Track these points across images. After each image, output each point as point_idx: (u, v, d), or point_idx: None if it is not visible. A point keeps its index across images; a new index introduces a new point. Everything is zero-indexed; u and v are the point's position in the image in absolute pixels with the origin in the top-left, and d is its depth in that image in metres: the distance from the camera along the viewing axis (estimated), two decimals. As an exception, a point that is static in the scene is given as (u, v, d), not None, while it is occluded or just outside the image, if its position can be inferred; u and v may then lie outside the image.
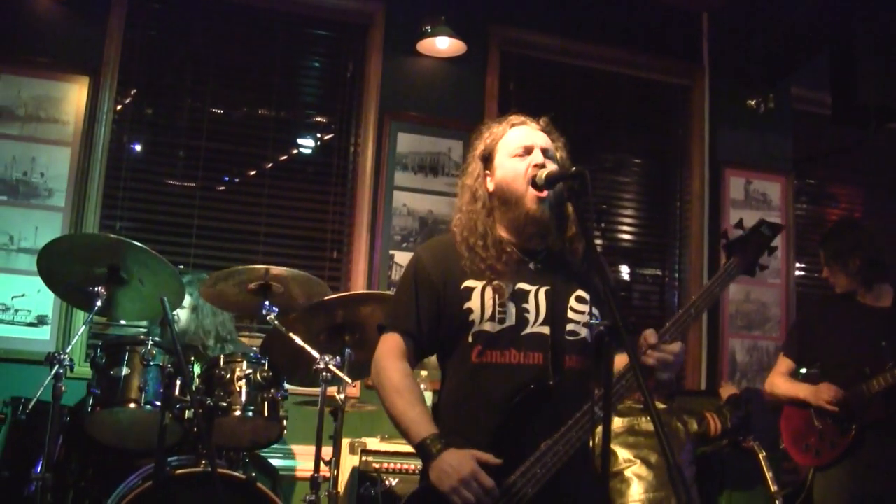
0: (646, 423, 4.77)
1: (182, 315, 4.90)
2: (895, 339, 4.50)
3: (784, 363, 4.96)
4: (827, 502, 4.63)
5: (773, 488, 4.91)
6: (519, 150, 2.86)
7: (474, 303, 2.76)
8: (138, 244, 4.01)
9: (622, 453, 4.77)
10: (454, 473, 2.50)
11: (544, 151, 2.86)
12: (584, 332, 2.80)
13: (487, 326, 2.74)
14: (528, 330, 2.75)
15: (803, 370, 5.03)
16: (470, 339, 2.75)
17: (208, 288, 4.31)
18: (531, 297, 2.78)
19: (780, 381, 4.90)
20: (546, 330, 2.76)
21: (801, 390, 4.75)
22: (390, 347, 2.83)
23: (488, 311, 2.74)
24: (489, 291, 2.76)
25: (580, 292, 2.83)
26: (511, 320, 2.74)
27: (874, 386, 4.46)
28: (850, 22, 6.00)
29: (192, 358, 4.66)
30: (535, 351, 2.73)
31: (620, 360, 2.62)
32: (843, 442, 4.53)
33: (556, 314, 2.78)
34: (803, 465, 4.84)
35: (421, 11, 6.15)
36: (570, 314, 2.80)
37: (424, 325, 2.82)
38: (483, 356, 2.74)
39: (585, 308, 2.81)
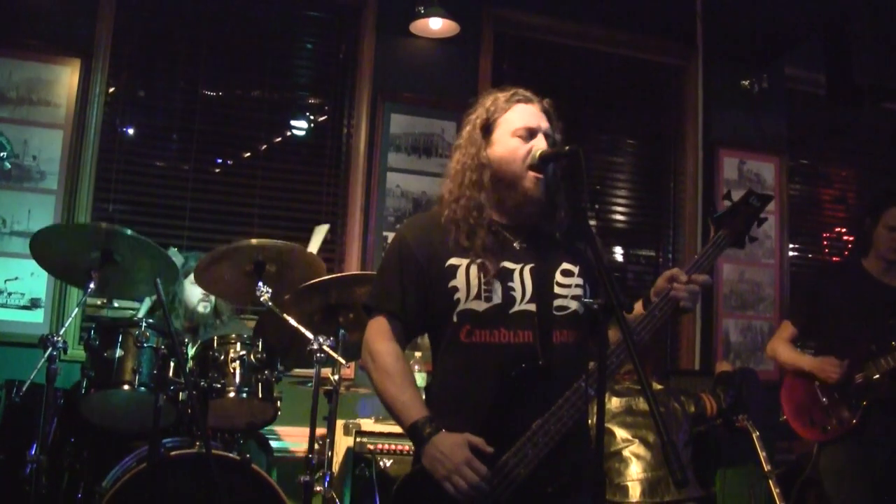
0: (643, 403, 4.77)
1: (212, 298, 4.92)
2: None
3: (787, 329, 4.94)
4: (833, 477, 4.64)
5: (767, 467, 4.91)
6: (522, 130, 2.79)
7: (459, 281, 2.71)
8: (129, 232, 3.97)
9: (620, 433, 4.79)
10: (446, 460, 2.48)
11: (547, 137, 2.80)
12: (574, 306, 2.75)
13: (474, 305, 2.69)
14: (516, 308, 2.70)
15: (810, 350, 5.02)
16: (455, 319, 2.71)
17: (202, 270, 4.29)
18: (516, 276, 2.74)
19: (783, 348, 4.90)
20: (533, 307, 2.71)
21: (806, 361, 4.75)
22: (379, 329, 2.79)
23: (474, 290, 2.70)
24: (474, 269, 2.71)
25: (566, 265, 2.79)
26: (497, 298, 2.70)
27: (883, 365, 4.47)
28: (844, 1, 5.98)
29: (187, 340, 4.68)
30: (524, 329, 2.69)
31: (614, 334, 2.63)
32: (851, 419, 4.53)
33: (543, 290, 2.73)
34: (807, 440, 4.84)
35: (414, -8, 6.12)
36: (557, 289, 2.75)
37: (411, 306, 2.78)
38: (472, 336, 2.70)
39: (572, 280, 2.77)
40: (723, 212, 2.91)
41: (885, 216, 4.72)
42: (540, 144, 2.76)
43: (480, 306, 2.70)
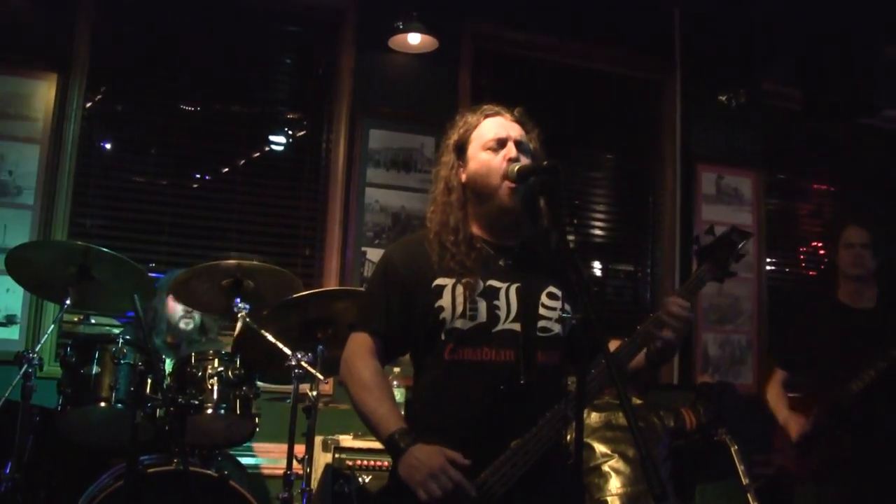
0: (623, 418, 4.76)
1: (196, 316, 4.89)
2: (872, 342, 4.53)
3: (778, 373, 5.02)
4: None
5: (745, 481, 4.93)
6: (492, 142, 2.82)
7: (445, 301, 2.73)
8: (106, 250, 3.97)
9: (600, 448, 4.78)
10: (423, 466, 2.48)
11: (518, 144, 2.82)
12: (556, 328, 2.78)
13: (459, 324, 2.71)
14: (500, 327, 2.72)
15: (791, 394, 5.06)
16: (443, 337, 2.72)
17: (179, 286, 4.28)
18: (502, 295, 2.76)
19: (771, 393, 4.97)
20: (517, 327, 2.73)
21: (781, 415, 4.84)
22: (360, 345, 2.80)
23: (459, 309, 2.71)
24: (459, 289, 2.73)
25: (552, 288, 2.81)
26: (482, 317, 2.71)
27: (852, 388, 4.48)
28: (819, 16, 6.03)
29: (164, 357, 4.65)
30: (507, 348, 2.70)
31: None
32: (832, 450, 4.56)
33: (528, 311, 2.75)
34: (796, 474, 4.87)
35: (393, 7, 6.10)
36: (542, 310, 2.77)
37: (395, 326, 2.79)
38: (455, 353, 2.71)
39: (557, 304, 2.79)
40: (706, 245, 2.92)
41: (842, 237, 4.83)
42: (510, 152, 2.79)
43: (465, 325, 2.71)
